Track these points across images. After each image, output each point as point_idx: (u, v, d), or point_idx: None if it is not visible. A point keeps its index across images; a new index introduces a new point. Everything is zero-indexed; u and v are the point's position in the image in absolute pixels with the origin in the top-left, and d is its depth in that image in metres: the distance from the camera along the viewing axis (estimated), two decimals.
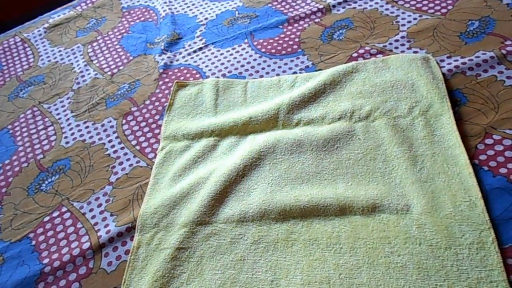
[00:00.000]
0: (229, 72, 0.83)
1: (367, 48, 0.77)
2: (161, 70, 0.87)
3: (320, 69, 0.77)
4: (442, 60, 0.70)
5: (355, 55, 0.77)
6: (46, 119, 0.85)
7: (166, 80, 0.85)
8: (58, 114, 0.86)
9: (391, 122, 0.63)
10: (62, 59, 1.00)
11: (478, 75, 0.66)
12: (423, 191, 0.54)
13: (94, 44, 1.01)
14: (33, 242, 0.64)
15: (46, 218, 0.66)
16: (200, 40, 0.93)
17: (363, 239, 0.52)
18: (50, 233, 0.64)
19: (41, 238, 0.64)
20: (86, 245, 0.60)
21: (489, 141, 0.57)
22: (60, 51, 1.03)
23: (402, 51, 0.74)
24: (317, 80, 0.72)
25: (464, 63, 0.68)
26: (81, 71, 0.94)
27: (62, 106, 0.87)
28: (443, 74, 0.67)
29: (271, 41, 0.86)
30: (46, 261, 0.60)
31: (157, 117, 0.78)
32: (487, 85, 0.64)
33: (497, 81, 0.64)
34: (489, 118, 0.60)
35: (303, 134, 0.65)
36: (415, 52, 0.73)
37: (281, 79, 0.76)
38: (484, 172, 0.54)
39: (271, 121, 0.69)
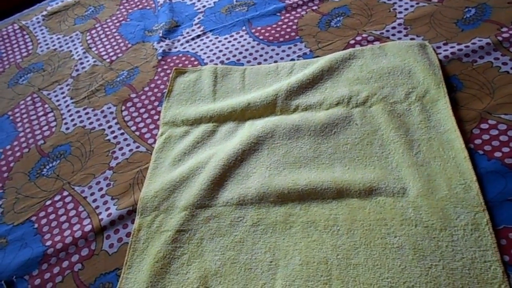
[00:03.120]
0: (227, 59, 0.81)
1: (364, 35, 0.75)
2: (159, 57, 0.85)
3: (318, 56, 0.75)
4: (439, 47, 0.69)
5: (352, 42, 0.75)
6: (46, 106, 0.83)
7: (165, 67, 0.83)
8: (58, 100, 0.84)
9: (388, 108, 0.61)
10: (60, 46, 0.97)
11: (474, 62, 0.64)
12: (419, 175, 0.53)
13: (93, 31, 0.99)
14: (36, 225, 0.63)
15: (48, 202, 0.65)
16: (198, 27, 0.91)
17: (360, 221, 0.51)
18: (52, 216, 0.63)
19: (44, 221, 0.63)
20: (88, 228, 0.59)
21: (484, 126, 0.57)
22: (58, 38, 1.00)
23: (399, 38, 0.73)
24: (315, 67, 0.71)
25: (460, 50, 0.66)
26: (80, 59, 0.92)
27: (62, 93, 0.85)
28: (440, 60, 0.65)
29: (269, 28, 0.84)
30: (48, 243, 0.59)
31: (156, 103, 0.76)
32: (483, 71, 0.63)
33: (493, 67, 0.63)
34: (485, 103, 0.59)
35: (301, 120, 0.64)
36: (412, 39, 0.72)
37: (279, 66, 0.75)
38: (479, 156, 0.54)
39: (269, 107, 0.68)
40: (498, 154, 0.53)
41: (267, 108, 0.68)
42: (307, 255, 0.50)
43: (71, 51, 0.95)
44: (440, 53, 0.67)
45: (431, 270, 0.45)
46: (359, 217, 0.52)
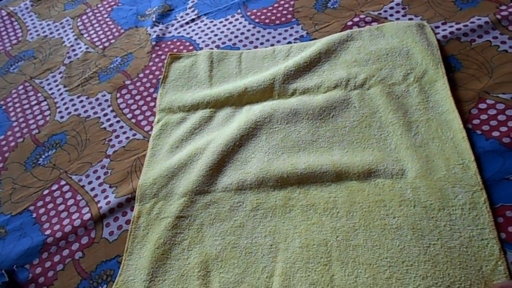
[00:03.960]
0: (223, 43, 0.79)
1: (361, 16, 0.73)
2: (153, 43, 0.83)
3: (315, 38, 0.73)
4: (437, 27, 0.67)
5: (349, 23, 0.73)
6: (39, 94, 0.81)
7: (159, 52, 0.81)
8: (50, 89, 0.81)
9: (386, 90, 0.61)
10: (51, 33, 0.94)
11: (473, 41, 0.63)
12: (418, 156, 0.53)
13: (84, 17, 0.95)
14: (34, 215, 0.62)
15: (46, 192, 0.64)
16: (193, 11, 0.88)
17: (359, 203, 0.51)
18: (50, 206, 0.62)
19: (42, 210, 0.62)
20: (87, 216, 0.59)
21: (482, 105, 0.56)
22: (48, 24, 0.96)
23: (397, 19, 0.71)
24: (312, 50, 0.69)
25: (459, 29, 0.65)
26: (72, 45, 0.89)
27: (55, 81, 0.83)
28: (438, 40, 0.64)
29: (264, 11, 0.82)
30: (48, 232, 0.59)
31: (151, 90, 0.75)
32: (481, 51, 0.62)
33: (492, 46, 0.62)
34: (483, 83, 0.58)
35: (299, 103, 0.63)
36: (410, 19, 0.70)
37: (276, 49, 0.73)
38: (477, 136, 0.53)
39: (267, 91, 0.67)
40: (496, 134, 0.53)
41: (265, 92, 0.67)
42: (307, 238, 0.50)
43: (62, 37, 0.92)
44: (438, 33, 0.66)
45: (429, 249, 0.46)
46: (358, 199, 0.51)
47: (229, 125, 0.64)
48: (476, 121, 0.55)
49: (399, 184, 0.51)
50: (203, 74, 0.73)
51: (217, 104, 0.68)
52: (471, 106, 0.56)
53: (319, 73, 0.67)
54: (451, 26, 0.66)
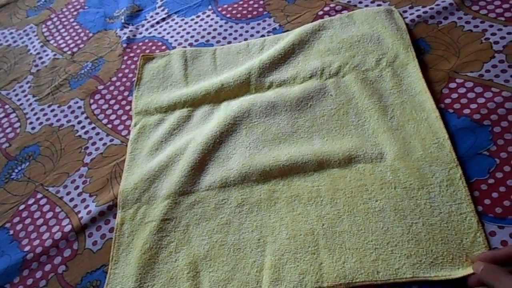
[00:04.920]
0: (196, 40, 0.77)
1: (332, 5, 0.73)
2: (124, 45, 0.80)
3: (288, 30, 0.73)
4: (405, 11, 0.68)
5: (320, 13, 0.73)
6: (7, 106, 0.77)
7: (131, 54, 0.78)
8: (19, 100, 0.77)
9: (360, 76, 0.61)
10: (15, 41, 0.89)
11: (439, 23, 0.64)
12: (395, 138, 0.54)
13: (49, 23, 0.91)
14: (11, 232, 0.59)
15: (22, 207, 0.61)
16: (162, 10, 0.85)
17: (342, 190, 0.51)
18: (27, 221, 0.59)
19: (19, 226, 0.59)
20: (67, 228, 0.56)
21: (452, 85, 0.57)
22: (11, 33, 0.91)
23: (366, 5, 0.71)
24: (285, 41, 0.69)
25: (425, 12, 0.66)
26: (38, 53, 0.85)
27: (23, 91, 0.79)
28: (407, 24, 0.65)
29: (235, 5, 0.80)
30: (27, 248, 0.56)
31: (126, 93, 0.72)
32: (448, 32, 0.63)
33: (457, 27, 0.63)
34: (452, 63, 0.59)
35: (276, 96, 0.62)
36: (379, 5, 0.71)
37: (250, 44, 0.72)
38: (449, 114, 0.55)
39: (244, 86, 0.66)
40: (467, 111, 0.54)
41: (241, 87, 0.66)
42: (294, 229, 0.50)
43: (27, 45, 0.87)
44: (406, 17, 0.67)
45: (412, 228, 0.46)
46: (341, 186, 0.52)
47: (208, 123, 0.63)
48: (447, 100, 0.56)
49: (379, 168, 0.52)
50: (178, 73, 0.71)
51: (194, 102, 0.66)
52: (442, 86, 0.57)
53: (294, 64, 0.66)
54: (418, 10, 0.67)
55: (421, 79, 0.57)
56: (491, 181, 0.48)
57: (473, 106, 0.54)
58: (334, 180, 0.52)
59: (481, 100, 0.54)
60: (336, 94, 0.60)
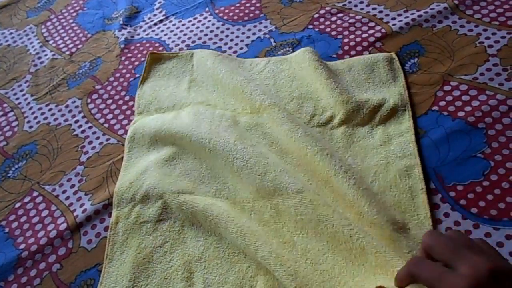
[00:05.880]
0: (193, 42, 0.77)
1: (327, 8, 0.74)
2: (122, 46, 0.80)
3: (284, 32, 0.73)
4: (400, 15, 0.68)
5: (316, 16, 0.73)
6: (5, 105, 0.77)
7: (129, 55, 0.78)
8: (17, 98, 0.77)
9: (349, 132, 0.56)
10: (14, 41, 0.89)
11: (434, 26, 0.64)
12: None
13: (48, 23, 0.91)
14: (6, 230, 0.58)
15: (18, 205, 0.61)
16: (160, 12, 0.85)
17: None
18: (23, 219, 0.59)
19: (15, 224, 0.59)
20: (63, 226, 0.56)
21: (447, 87, 0.57)
22: (11, 33, 0.91)
23: (361, 9, 0.71)
24: (285, 74, 0.65)
25: (420, 16, 0.66)
26: (37, 53, 0.84)
27: (21, 90, 0.78)
28: (405, 73, 0.60)
29: (232, 8, 0.80)
30: (22, 246, 0.56)
31: (123, 93, 0.72)
32: (442, 35, 0.63)
33: (452, 30, 0.63)
34: (446, 66, 0.59)
35: (267, 122, 0.58)
36: (374, 9, 0.70)
37: (253, 62, 0.68)
38: (444, 117, 0.54)
39: (241, 106, 0.62)
40: (461, 114, 0.54)
41: (239, 106, 0.63)
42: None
43: (26, 45, 0.87)
44: (401, 21, 0.67)
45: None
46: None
47: (205, 125, 0.62)
48: (442, 103, 0.56)
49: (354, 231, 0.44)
50: (182, 77, 0.70)
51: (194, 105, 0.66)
52: (437, 88, 0.57)
53: (287, 98, 0.62)
54: (413, 14, 0.67)
55: (413, 142, 0.52)
56: (485, 183, 0.48)
57: (468, 108, 0.54)
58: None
59: (475, 103, 0.54)
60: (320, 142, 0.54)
